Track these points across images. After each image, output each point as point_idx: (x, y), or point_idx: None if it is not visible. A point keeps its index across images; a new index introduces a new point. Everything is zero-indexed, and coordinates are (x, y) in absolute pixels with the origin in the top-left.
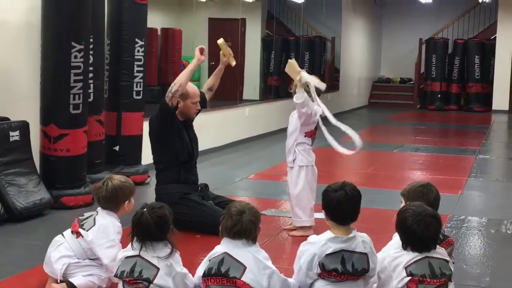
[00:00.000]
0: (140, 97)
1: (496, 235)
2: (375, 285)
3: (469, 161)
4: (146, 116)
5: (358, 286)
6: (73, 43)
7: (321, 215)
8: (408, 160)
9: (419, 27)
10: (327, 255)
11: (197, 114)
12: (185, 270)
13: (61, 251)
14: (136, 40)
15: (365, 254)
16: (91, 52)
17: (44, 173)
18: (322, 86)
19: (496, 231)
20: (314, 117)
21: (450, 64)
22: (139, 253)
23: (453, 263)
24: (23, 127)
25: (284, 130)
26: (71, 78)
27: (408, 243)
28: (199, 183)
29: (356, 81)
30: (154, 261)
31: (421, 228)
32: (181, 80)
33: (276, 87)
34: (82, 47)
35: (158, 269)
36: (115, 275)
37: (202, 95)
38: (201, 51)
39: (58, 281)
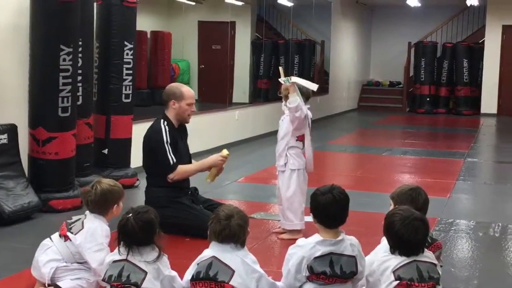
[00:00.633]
0: (129, 100)
1: (484, 238)
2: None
3: (457, 164)
4: (135, 119)
5: None
6: (61, 46)
7: (310, 218)
8: (397, 163)
9: (408, 31)
10: (316, 258)
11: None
12: (173, 273)
13: (49, 254)
14: (125, 43)
15: (354, 257)
16: (80, 55)
17: (32, 176)
18: (314, 86)
19: (484, 234)
20: (307, 120)
21: (439, 67)
22: (127, 257)
23: (441, 266)
24: (11, 130)
25: (273, 133)
26: (59, 81)
27: (396, 247)
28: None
29: (346, 84)
30: (142, 265)
31: (409, 232)
32: (189, 175)
33: (266, 90)
34: (70, 50)
35: (146, 273)
36: (103, 279)
37: None
38: (225, 159)
39: (46, 285)
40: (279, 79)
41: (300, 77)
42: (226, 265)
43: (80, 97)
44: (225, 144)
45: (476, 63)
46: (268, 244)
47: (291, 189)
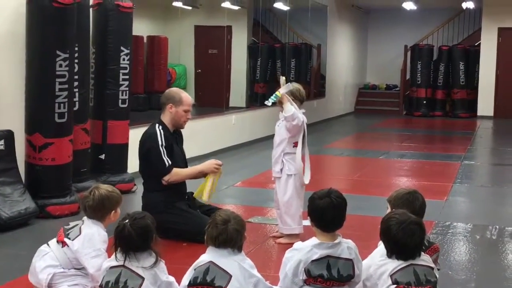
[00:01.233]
0: (125, 106)
1: (481, 241)
2: None
3: (454, 167)
4: (132, 124)
5: None
6: (58, 52)
7: (307, 222)
8: (394, 166)
9: (404, 34)
10: (313, 261)
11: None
12: (170, 279)
13: (46, 260)
14: (122, 48)
15: (351, 260)
16: (76, 60)
17: (29, 182)
18: (287, 87)
19: (481, 237)
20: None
21: (435, 70)
22: (124, 263)
23: (438, 269)
24: (8, 136)
25: (270, 137)
26: (56, 86)
27: (393, 251)
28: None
29: (342, 87)
30: (139, 271)
31: (405, 236)
32: (183, 178)
33: (263, 95)
34: (67, 55)
35: (143, 279)
36: (100, 286)
37: None
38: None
39: None
40: (268, 100)
41: (297, 81)
42: (223, 270)
43: (77, 103)
44: (222, 148)
45: (472, 66)
46: (265, 249)
47: (288, 194)
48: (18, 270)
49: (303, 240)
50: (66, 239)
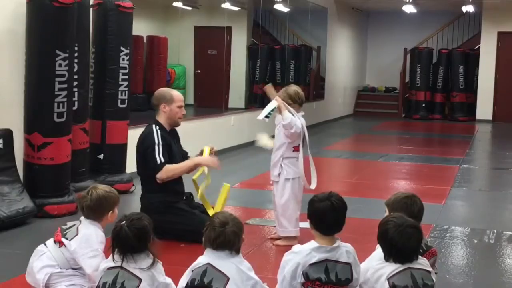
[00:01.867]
0: (125, 106)
1: (479, 244)
2: None
3: (453, 170)
4: (131, 124)
5: None
6: (57, 51)
7: (306, 224)
8: (393, 169)
9: (404, 37)
10: (311, 264)
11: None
12: (168, 280)
13: (43, 260)
14: (121, 48)
15: (349, 264)
16: (75, 60)
17: (27, 181)
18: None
19: (479, 241)
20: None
21: (435, 73)
22: (121, 264)
23: (436, 273)
24: (7, 135)
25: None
26: (55, 86)
27: (390, 255)
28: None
29: (342, 90)
30: (136, 272)
31: (402, 239)
32: (176, 173)
33: (262, 96)
34: (66, 55)
35: (140, 280)
36: (97, 287)
37: None
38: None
39: None
40: (264, 118)
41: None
42: (221, 272)
43: (76, 102)
44: (221, 149)
45: (472, 69)
46: (263, 251)
47: (285, 197)
48: (16, 269)
49: (301, 243)
50: (63, 239)
